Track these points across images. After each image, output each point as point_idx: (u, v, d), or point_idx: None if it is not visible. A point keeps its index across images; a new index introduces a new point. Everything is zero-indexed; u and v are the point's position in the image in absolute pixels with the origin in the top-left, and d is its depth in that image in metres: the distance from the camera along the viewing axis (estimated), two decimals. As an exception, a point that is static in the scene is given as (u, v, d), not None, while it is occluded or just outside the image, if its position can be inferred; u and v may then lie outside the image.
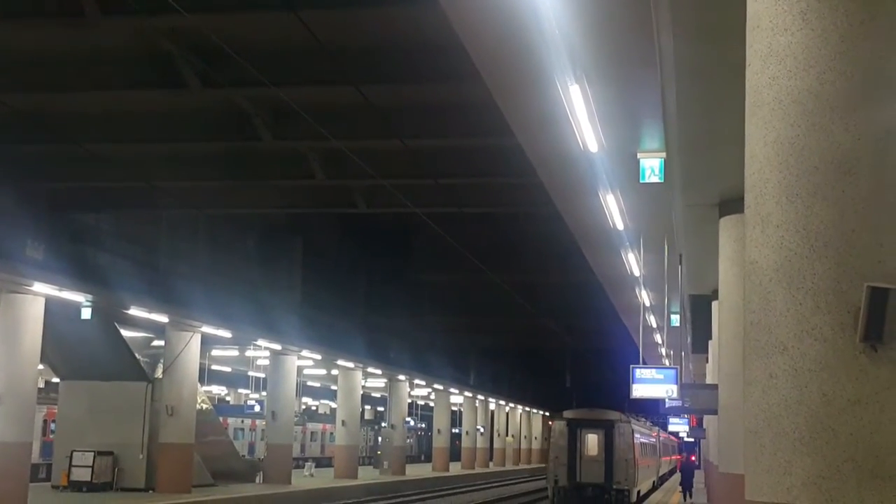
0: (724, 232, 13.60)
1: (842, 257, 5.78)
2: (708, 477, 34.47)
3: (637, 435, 34.83)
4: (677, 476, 48.44)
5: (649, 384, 15.26)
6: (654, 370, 16.09)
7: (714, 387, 15.43)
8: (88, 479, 28.52)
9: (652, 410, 65.34)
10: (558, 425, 33.47)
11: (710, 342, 24.51)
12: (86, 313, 24.27)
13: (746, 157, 6.36)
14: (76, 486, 28.39)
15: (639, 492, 34.85)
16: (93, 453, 28.88)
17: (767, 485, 5.98)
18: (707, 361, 28.23)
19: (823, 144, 5.85)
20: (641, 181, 11.45)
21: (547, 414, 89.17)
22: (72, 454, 28.98)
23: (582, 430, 32.14)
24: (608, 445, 31.60)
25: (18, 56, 18.85)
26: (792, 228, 5.96)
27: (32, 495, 23.52)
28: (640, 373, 15.30)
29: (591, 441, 31.84)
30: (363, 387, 46.40)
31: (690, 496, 35.60)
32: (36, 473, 29.44)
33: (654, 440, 45.29)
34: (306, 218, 35.98)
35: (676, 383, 14.99)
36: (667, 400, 17.88)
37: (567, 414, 33.91)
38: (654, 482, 38.40)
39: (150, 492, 28.81)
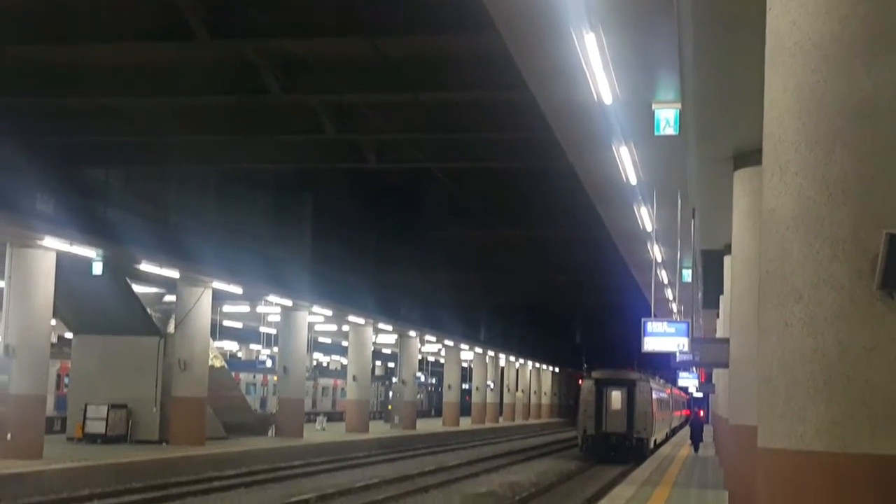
0: (739, 185, 13.55)
1: (860, 204, 5.74)
2: (716, 431, 34.92)
3: (654, 392, 40.93)
4: (686, 430, 51.08)
5: (661, 337, 15.25)
6: (665, 323, 16.10)
7: (725, 341, 15.43)
8: (103, 431, 28.83)
9: (663, 365, 66.20)
10: (587, 383, 39.97)
11: (721, 297, 24.50)
12: (97, 268, 24.35)
13: (766, 105, 6.29)
14: (91, 439, 28.68)
15: (655, 440, 40.11)
16: (107, 406, 29.16)
17: (781, 432, 6.00)
18: (718, 317, 28.23)
19: (844, 90, 5.79)
20: (656, 133, 11.37)
21: (556, 370, 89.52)
22: (86, 407, 29.26)
23: (607, 387, 38.79)
24: (630, 401, 38.11)
25: (27, 7, 18.76)
26: (811, 176, 5.92)
27: (48, 447, 23.76)
28: (651, 326, 15.29)
29: (615, 397, 38.34)
30: (374, 343, 46.59)
31: (697, 450, 36.05)
32: (51, 426, 29.70)
33: (667, 397, 50.43)
34: (316, 173, 35.92)
35: (688, 337, 15.00)
36: (678, 354, 17.92)
37: (595, 374, 40.58)
38: (667, 433, 44.02)
39: (164, 444, 29.09)
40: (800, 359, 5.93)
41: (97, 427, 29.03)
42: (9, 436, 22.13)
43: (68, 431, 30.68)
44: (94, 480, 21.62)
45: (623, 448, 37.54)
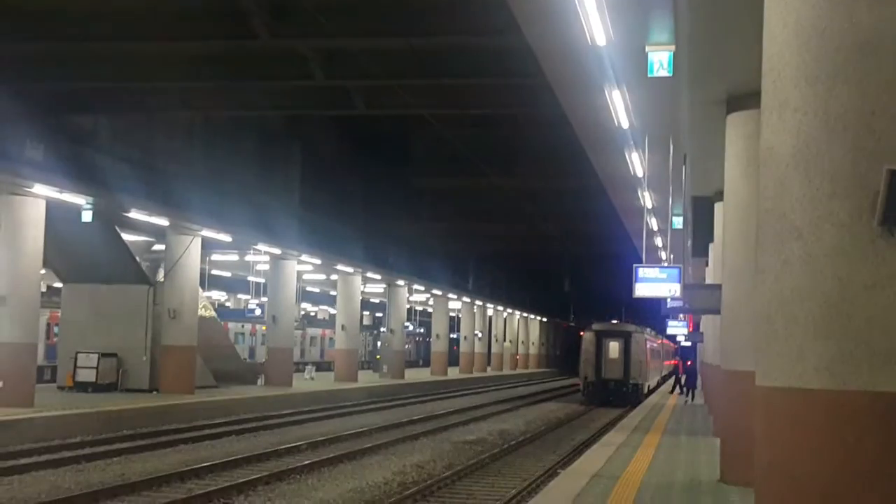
0: (732, 129, 13.49)
1: (861, 140, 5.70)
2: (704, 378, 35.36)
3: (648, 343, 45.56)
4: (672, 380, 54.71)
5: (652, 283, 15.23)
6: (657, 269, 16.07)
7: (717, 287, 15.45)
8: (93, 379, 28.85)
9: (651, 315, 66.98)
10: (588, 335, 43.88)
11: (710, 245, 24.52)
12: (86, 216, 24.25)
13: (765, 41, 6.22)
14: (81, 387, 28.71)
15: (648, 385, 44.35)
16: (97, 355, 29.17)
17: (779, 370, 6.00)
18: (707, 265, 28.30)
19: (845, 25, 5.73)
20: (650, 75, 11.27)
21: (544, 320, 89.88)
22: (76, 356, 29.27)
23: (606, 338, 43.15)
24: (626, 350, 42.51)
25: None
26: (811, 112, 5.87)
27: (39, 395, 23.79)
28: (642, 272, 15.26)
29: (613, 347, 42.70)
30: (362, 292, 46.62)
31: (693, 398, 36.53)
32: (41, 376, 29.73)
33: (659, 347, 55.22)
34: (304, 121, 35.71)
35: (679, 282, 14.99)
36: (669, 300, 17.97)
37: (595, 326, 44.55)
38: (658, 380, 48.16)
39: (155, 392, 29.16)
40: (798, 297, 5.92)
41: (88, 376, 29.06)
42: (0, 384, 22.12)
43: (59, 380, 30.73)
44: (86, 428, 21.69)
45: (620, 393, 41.78)
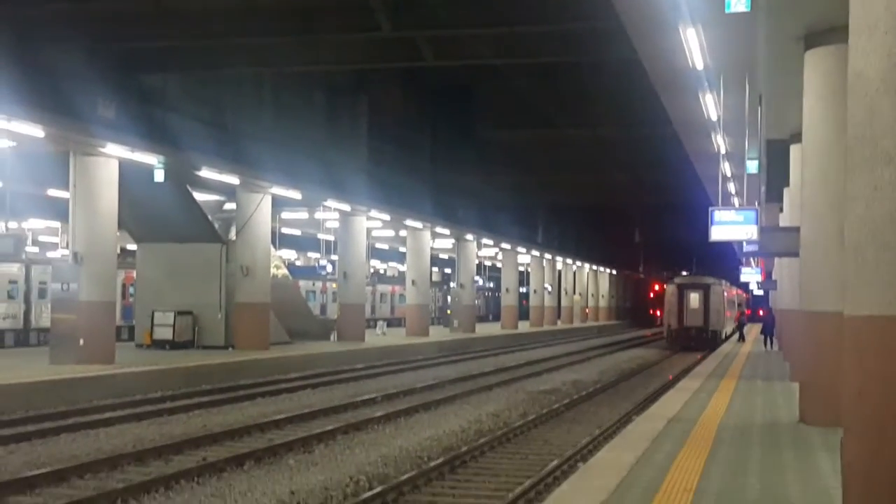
0: (810, 67, 13.17)
1: (956, 58, 5.54)
2: (780, 325, 35.20)
3: (724, 294, 50.61)
4: (748, 326, 57.03)
5: (728, 226, 14.96)
6: (733, 211, 15.77)
7: (795, 229, 15.17)
8: (170, 337, 29.39)
9: (724, 263, 68.19)
10: (670, 287, 50.01)
11: (785, 190, 24.09)
12: (158, 175, 24.52)
13: (853, -39, 6.05)
14: (159, 345, 29.27)
15: (725, 332, 49.07)
16: (173, 313, 29.67)
17: (868, 299, 5.90)
18: (781, 211, 27.85)
19: (939, -60, 5.56)
20: (727, 11, 11.01)
21: (614, 272, 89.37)
22: (153, 314, 29.78)
23: (687, 290, 48.66)
24: (705, 301, 47.88)
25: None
26: (902, 31, 5.73)
27: (119, 353, 24.29)
28: (718, 215, 14.99)
29: (694, 298, 48.18)
30: (431, 248, 46.71)
31: (772, 344, 36.44)
32: (118, 335, 30.25)
33: (734, 297, 60.41)
34: (372, 76, 35.67)
35: (756, 224, 14.71)
36: (745, 244, 17.69)
37: (677, 280, 51.22)
38: (734, 328, 51.77)
39: (230, 349, 29.60)
40: (890, 223, 5.80)
41: (165, 333, 29.60)
42: (81, 341, 22.61)
43: (136, 339, 31.33)
44: (166, 383, 22.11)
45: (700, 338, 46.71)
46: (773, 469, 9.84)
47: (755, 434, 12.47)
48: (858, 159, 6.03)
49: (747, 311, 75.42)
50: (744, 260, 43.43)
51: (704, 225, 15.48)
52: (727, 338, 47.69)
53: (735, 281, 60.99)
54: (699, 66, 14.57)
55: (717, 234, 15.02)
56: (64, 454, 13.95)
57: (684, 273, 73.46)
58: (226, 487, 11.93)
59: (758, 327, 61.27)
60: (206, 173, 26.42)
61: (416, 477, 12.41)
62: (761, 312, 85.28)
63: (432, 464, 13.35)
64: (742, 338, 45.58)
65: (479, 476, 13.18)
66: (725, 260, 72.58)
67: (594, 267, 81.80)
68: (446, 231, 45.79)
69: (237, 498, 11.29)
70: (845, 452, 6.14)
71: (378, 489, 11.62)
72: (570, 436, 17.01)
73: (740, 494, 8.51)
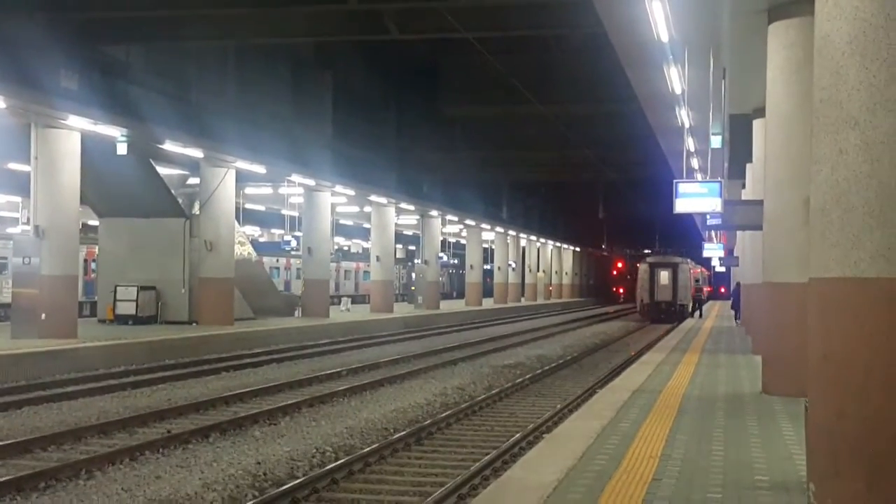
0: (774, 39, 13.23)
1: (920, 23, 5.59)
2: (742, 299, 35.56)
3: (691, 272, 56.79)
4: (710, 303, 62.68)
5: (693, 198, 15.05)
6: (697, 184, 15.88)
7: (758, 202, 15.28)
8: (133, 312, 29.18)
9: (686, 240, 70.49)
10: (643, 266, 56.50)
11: (747, 165, 24.28)
12: (121, 148, 24.30)
13: (818, -74, 6.08)
14: (122, 320, 29.06)
15: (691, 306, 53.31)
16: (136, 288, 29.46)
17: (834, 260, 5.96)
18: (743, 188, 28.06)
19: None
20: (692, -19, 11.06)
21: (578, 249, 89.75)
22: (116, 289, 29.56)
23: (658, 268, 54.71)
24: (674, 278, 53.91)
25: None
26: (869, -4, 5.79)
27: (81, 328, 24.13)
28: (683, 187, 15.06)
29: (664, 276, 54.18)
30: (395, 225, 46.66)
31: (739, 318, 36.84)
32: (80, 311, 30.04)
33: (699, 275, 65.39)
34: (336, 50, 35.45)
35: (721, 196, 14.81)
36: (708, 217, 17.82)
37: (648, 259, 57.70)
38: (699, 302, 55.01)
39: (194, 324, 29.46)
40: (855, 185, 5.86)
41: (127, 308, 29.39)
42: (43, 316, 22.41)
43: (99, 314, 31.12)
44: (129, 357, 22.00)
45: (670, 311, 52.41)
46: (736, 437, 9.96)
47: (719, 404, 12.60)
48: (824, 123, 6.08)
49: (708, 289, 79.11)
50: (706, 235, 43.81)
51: (668, 202, 15.56)
52: (692, 312, 51.30)
53: (697, 258, 63.80)
54: (664, 38, 14.61)
55: (682, 206, 15.11)
56: (27, 426, 13.85)
57: (646, 251, 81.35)
58: (192, 458, 11.91)
59: (719, 304, 62.60)
60: (169, 147, 26.20)
61: (381, 448, 12.45)
62: (722, 290, 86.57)
63: (398, 435, 13.39)
64: (700, 314, 47.85)
65: (446, 447, 13.24)
66: (688, 237, 73.46)
67: (558, 244, 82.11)
68: (411, 207, 45.73)
69: (203, 468, 11.27)
70: (810, 417, 6.22)
71: (344, 459, 11.65)
72: (536, 408, 17.12)
73: (705, 460, 8.60)
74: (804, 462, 6.97)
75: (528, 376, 21.61)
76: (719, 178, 17.20)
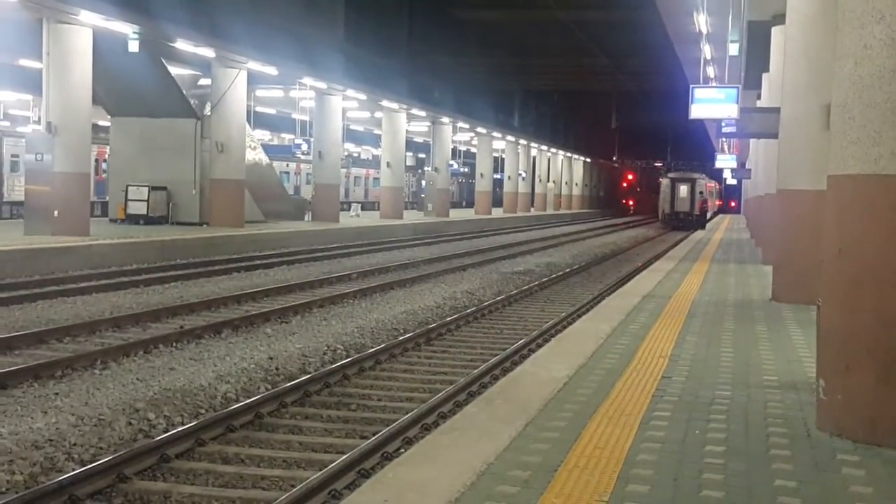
0: (798, -60, 12.97)
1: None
2: (754, 211, 35.67)
3: (707, 186, 65.18)
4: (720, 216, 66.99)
5: (709, 104, 14.90)
6: (714, 89, 15.73)
7: (775, 109, 15.15)
8: (144, 212, 29.29)
9: (698, 153, 71.70)
10: (665, 181, 64.44)
11: (764, 75, 23.99)
12: (133, 46, 24.15)
13: None
14: (133, 220, 29.19)
15: (707, 217, 61.43)
16: (147, 188, 29.50)
17: (854, 157, 5.92)
18: (759, 98, 27.79)
19: None
20: None
21: (588, 160, 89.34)
22: (127, 189, 29.60)
23: (678, 183, 62.85)
24: (692, 192, 61.90)
25: None
26: None
27: (93, 227, 24.22)
28: (699, 93, 14.89)
29: (683, 189, 62.23)
30: (406, 132, 46.43)
31: None
32: (92, 210, 30.13)
33: (714, 189, 73.98)
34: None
35: (737, 103, 14.65)
36: (723, 124, 17.69)
37: (670, 175, 65.45)
38: (713, 213, 61.30)
39: (204, 226, 29.55)
40: (878, 81, 5.79)
41: (139, 208, 29.49)
42: (56, 213, 22.50)
43: (110, 213, 31.21)
44: (141, 256, 22.12)
45: (688, 221, 59.54)
46: (746, 340, 10.02)
47: (729, 309, 12.65)
48: (850, 17, 5.99)
49: (718, 202, 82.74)
50: (719, 145, 43.57)
51: (682, 112, 15.42)
52: (708, 221, 58.23)
53: (709, 170, 67.73)
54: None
55: (698, 111, 14.98)
56: (42, 318, 14.01)
57: (657, 164, 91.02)
58: (204, 352, 12.04)
59: (730, 218, 63.13)
60: (181, 45, 26.00)
61: (391, 346, 12.57)
62: (732, 204, 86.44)
63: (408, 335, 13.50)
64: (703, 227, 52.53)
65: (455, 348, 13.36)
66: (701, 148, 73.13)
67: (569, 155, 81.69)
68: (422, 113, 45.43)
69: (216, 362, 11.40)
70: (822, 314, 6.23)
71: (354, 357, 11.77)
72: (545, 313, 17.22)
73: (714, 360, 8.67)
74: (813, 364, 7.02)
75: (536, 282, 21.70)
76: (737, 84, 17.01)
